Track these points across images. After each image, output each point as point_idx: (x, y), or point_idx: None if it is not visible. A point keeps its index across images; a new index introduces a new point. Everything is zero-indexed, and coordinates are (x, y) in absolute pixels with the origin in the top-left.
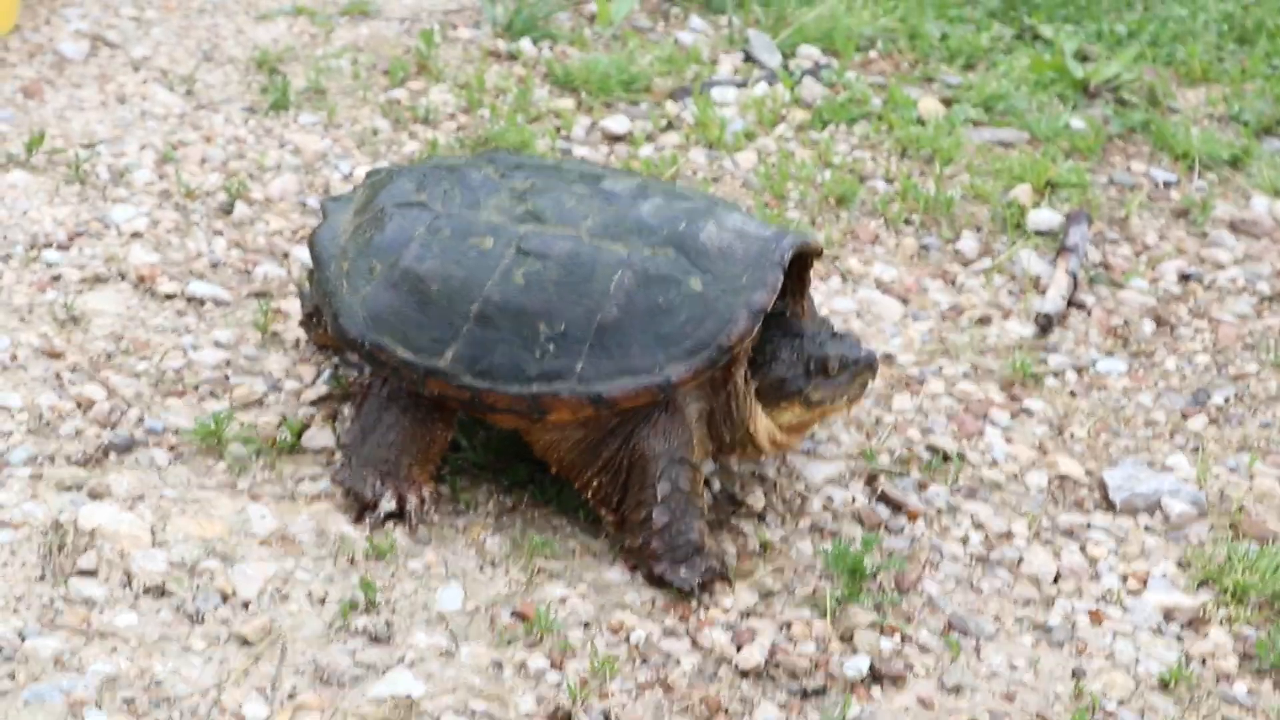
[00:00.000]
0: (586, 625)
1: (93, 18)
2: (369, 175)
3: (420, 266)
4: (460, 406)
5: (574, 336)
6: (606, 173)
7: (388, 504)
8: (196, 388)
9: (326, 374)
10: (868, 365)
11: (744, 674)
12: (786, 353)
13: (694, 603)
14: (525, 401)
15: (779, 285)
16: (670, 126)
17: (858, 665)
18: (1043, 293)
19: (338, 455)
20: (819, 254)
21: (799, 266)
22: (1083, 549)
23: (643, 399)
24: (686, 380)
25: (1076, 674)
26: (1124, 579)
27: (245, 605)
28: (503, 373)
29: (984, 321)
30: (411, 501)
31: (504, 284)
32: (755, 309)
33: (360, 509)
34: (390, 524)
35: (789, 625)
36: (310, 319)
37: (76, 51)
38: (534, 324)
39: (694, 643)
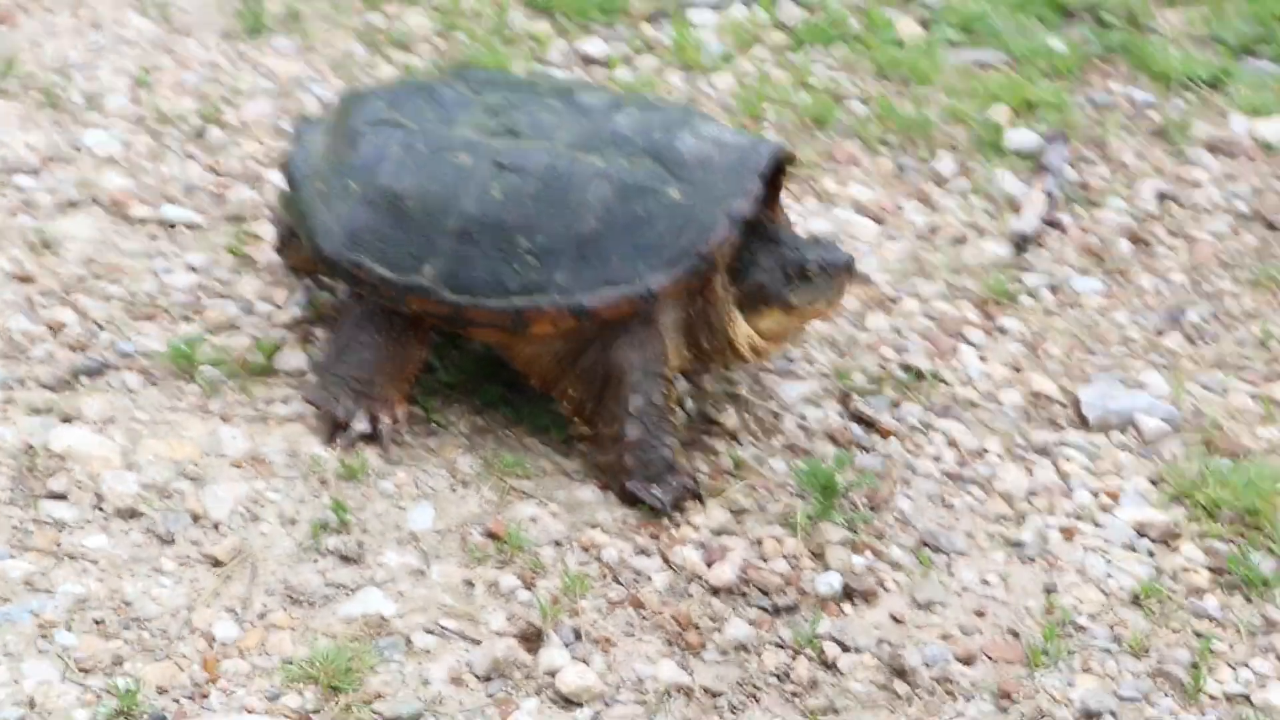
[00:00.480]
0: (558, 544)
1: None
2: (342, 97)
3: (397, 184)
4: (440, 322)
5: (554, 249)
6: (579, 87)
7: (360, 424)
8: (169, 311)
9: (300, 296)
10: (845, 267)
11: (715, 591)
12: (765, 259)
13: (665, 520)
14: (507, 315)
15: (759, 193)
16: (647, 49)
17: (829, 582)
18: (1019, 212)
19: (310, 375)
20: (793, 162)
21: (774, 175)
22: (1056, 466)
23: (624, 309)
24: (668, 289)
25: (1048, 589)
26: (1096, 495)
27: (216, 526)
28: (483, 287)
29: (960, 241)
30: (384, 421)
31: (481, 198)
32: (735, 216)
33: (333, 429)
34: (362, 445)
35: (760, 542)
36: (285, 243)
37: None
38: (513, 238)
39: (665, 560)
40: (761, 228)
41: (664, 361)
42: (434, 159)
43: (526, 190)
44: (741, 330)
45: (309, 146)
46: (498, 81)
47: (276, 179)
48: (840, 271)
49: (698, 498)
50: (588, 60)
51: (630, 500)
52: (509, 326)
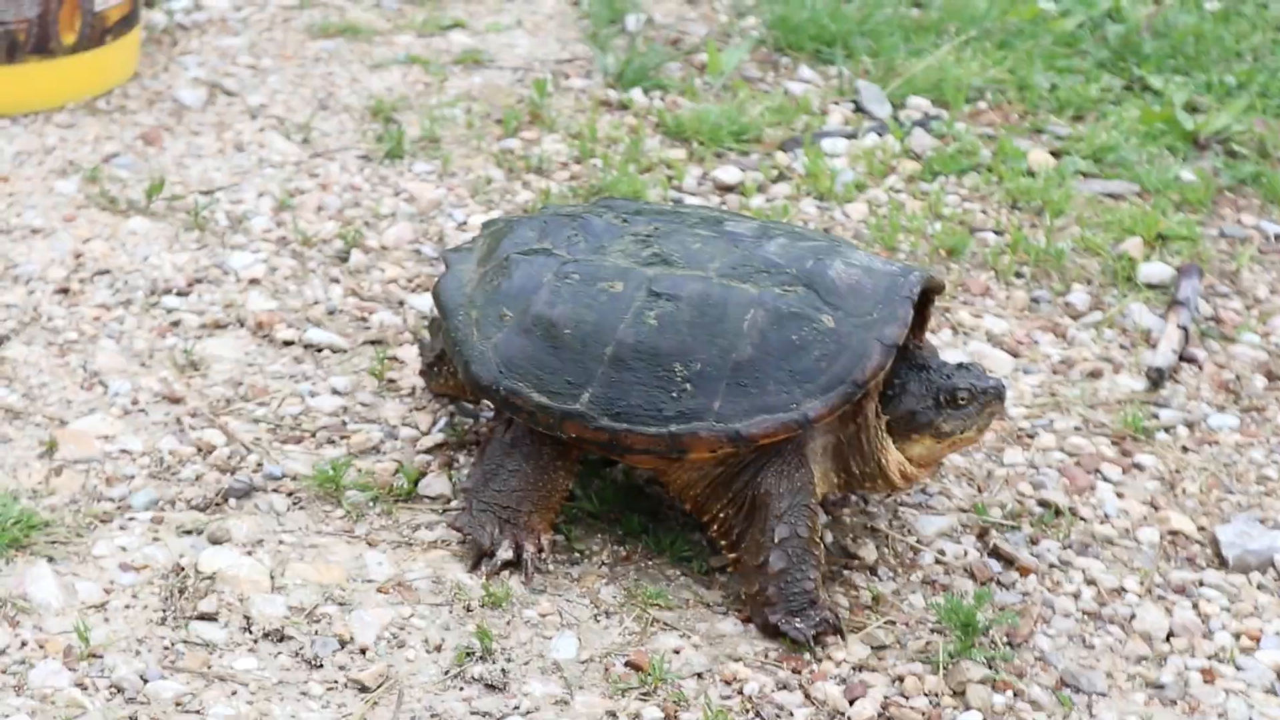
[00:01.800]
0: (700, 676)
1: (210, 65)
2: (485, 225)
3: (552, 311)
4: (597, 449)
5: (710, 375)
6: (727, 216)
7: (505, 553)
8: (314, 434)
9: (443, 422)
10: (996, 394)
11: None
12: (915, 385)
13: (807, 655)
14: (664, 441)
15: (909, 319)
16: (781, 177)
17: None
18: (1154, 346)
19: (456, 500)
20: (942, 290)
21: (922, 302)
22: (1195, 606)
23: (781, 435)
24: (824, 416)
25: None
26: (1237, 637)
27: (363, 651)
28: (640, 414)
29: (1095, 375)
30: (529, 550)
31: (637, 326)
32: (888, 343)
33: (477, 556)
34: (506, 572)
35: (901, 679)
36: (431, 368)
37: (194, 99)
38: (669, 364)
39: (807, 695)
40: (910, 354)
41: (811, 492)
42: (588, 287)
43: (681, 318)
44: (893, 457)
45: (459, 274)
46: (645, 210)
47: (418, 304)
48: (991, 398)
49: (839, 632)
50: (722, 187)
51: (772, 633)
52: (665, 452)
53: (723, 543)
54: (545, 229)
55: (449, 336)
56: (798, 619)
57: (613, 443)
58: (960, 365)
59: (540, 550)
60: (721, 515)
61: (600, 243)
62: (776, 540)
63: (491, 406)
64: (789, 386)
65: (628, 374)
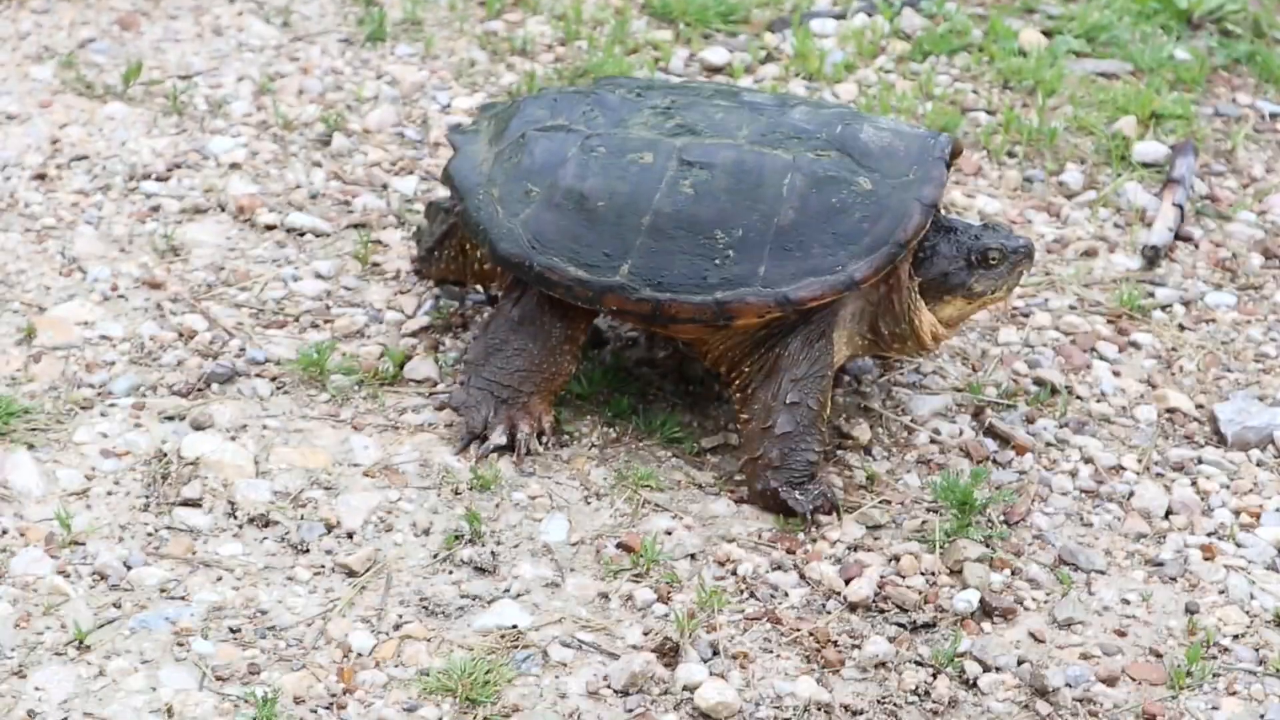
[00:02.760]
0: (693, 557)
1: None
2: (484, 109)
3: (582, 184)
4: (638, 321)
5: (752, 241)
6: (740, 88)
7: (499, 437)
8: (298, 318)
9: (428, 305)
10: (1027, 253)
11: (853, 607)
12: (946, 246)
13: (800, 534)
14: (710, 309)
15: (945, 180)
16: (769, 58)
17: (967, 599)
18: (1149, 225)
19: (443, 383)
20: (961, 153)
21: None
22: (1194, 484)
23: (828, 298)
24: (869, 277)
25: (1190, 609)
26: (1236, 514)
27: (350, 535)
28: (683, 283)
29: (1090, 254)
30: (523, 431)
31: (673, 195)
32: (927, 203)
33: (469, 438)
34: (496, 454)
35: (897, 559)
36: (431, 253)
37: None
38: (710, 232)
39: (802, 576)
40: (938, 216)
41: (828, 365)
42: (616, 159)
43: (718, 185)
44: (925, 318)
45: (471, 154)
46: (656, 85)
47: (402, 186)
48: (1022, 257)
49: (835, 510)
50: (710, 69)
51: (770, 501)
52: (711, 320)
53: (738, 396)
54: (556, 106)
55: (469, 217)
56: (797, 490)
57: (656, 313)
58: (985, 225)
59: (539, 433)
60: (746, 370)
61: (620, 116)
62: (786, 403)
63: (506, 287)
64: (833, 249)
65: (668, 243)
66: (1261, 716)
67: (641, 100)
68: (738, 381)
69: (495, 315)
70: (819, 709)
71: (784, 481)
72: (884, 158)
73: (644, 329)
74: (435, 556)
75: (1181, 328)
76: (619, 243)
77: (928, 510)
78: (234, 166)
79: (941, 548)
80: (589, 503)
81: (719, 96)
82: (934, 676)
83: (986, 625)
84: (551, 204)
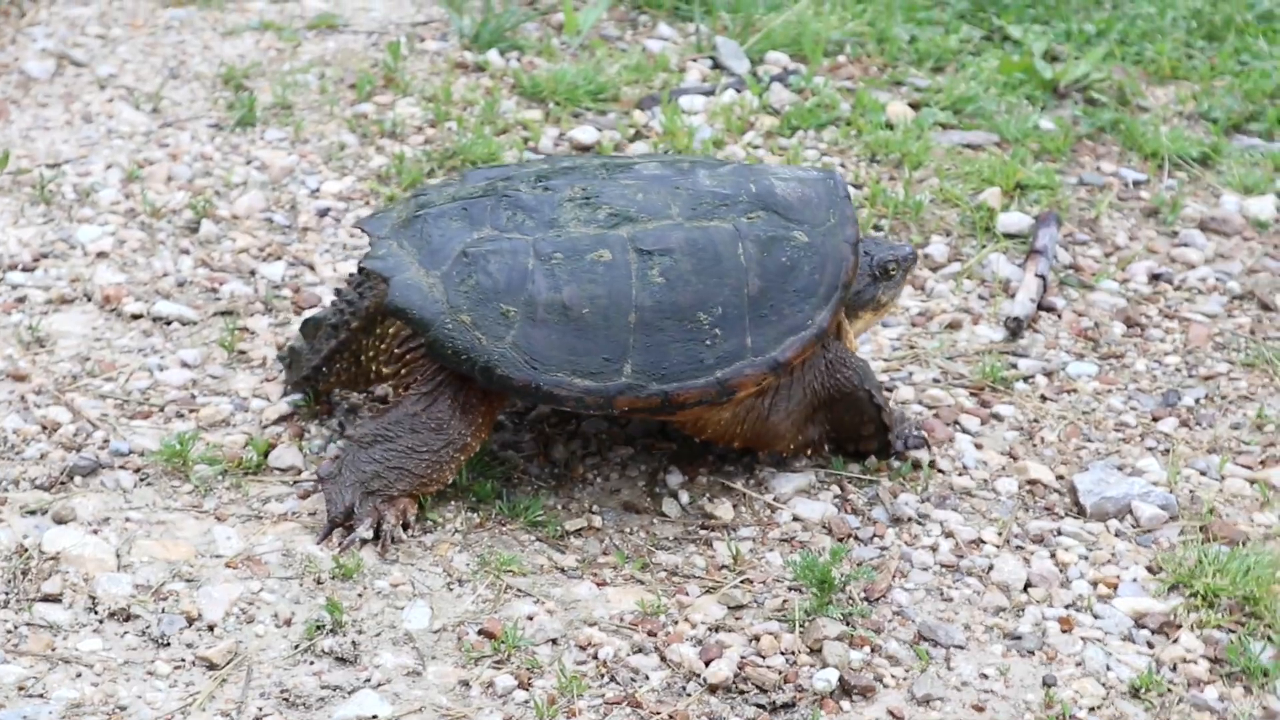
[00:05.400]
0: (554, 642)
1: (59, 36)
2: (371, 226)
3: (560, 295)
4: (647, 415)
5: (732, 316)
6: (615, 159)
7: (365, 531)
8: (163, 408)
9: (293, 394)
10: (914, 259)
11: (713, 689)
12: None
13: (663, 615)
14: (713, 389)
15: (855, 216)
16: (639, 135)
17: (826, 678)
18: (1012, 296)
19: (307, 471)
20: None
21: None
22: (1053, 555)
23: (808, 352)
24: (832, 322)
25: (1047, 682)
26: (1094, 585)
27: (211, 628)
28: (684, 370)
29: (954, 326)
30: (389, 523)
31: (648, 287)
32: (854, 243)
33: (331, 527)
34: (359, 544)
35: (758, 638)
36: (318, 370)
37: (42, 70)
38: (694, 316)
39: (662, 658)
40: None
41: (849, 351)
42: (578, 262)
43: (684, 268)
44: (849, 335)
45: (412, 283)
46: (547, 174)
47: (269, 272)
48: (911, 263)
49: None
50: (579, 147)
51: (899, 456)
52: (715, 399)
53: (818, 451)
54: (470, 214)
55: (441, 346)
56: (910, 442)
57: (665, 404)
58: (874, 240)
59: (406, 526)
60: (802, 437)
61: (547, 215)
62: (878, 402)
63: (417, 385)
64: (798, 305)
65: (659, 335)
66: None
67: (552, 194)
68: (797, 443)
69: (396, 407)
70: None
71: (902, 443)
72: (804, 208)
73: (646, 420)
74: (296, 647)
75: (1043, 398)
76: (615, 345)
77: (789, 589)
78: (101, 255)
79: (802, 626)
80: (451, 589)
81: (618, 173)
82: None
83: (846, 704)
84: (536, 320)
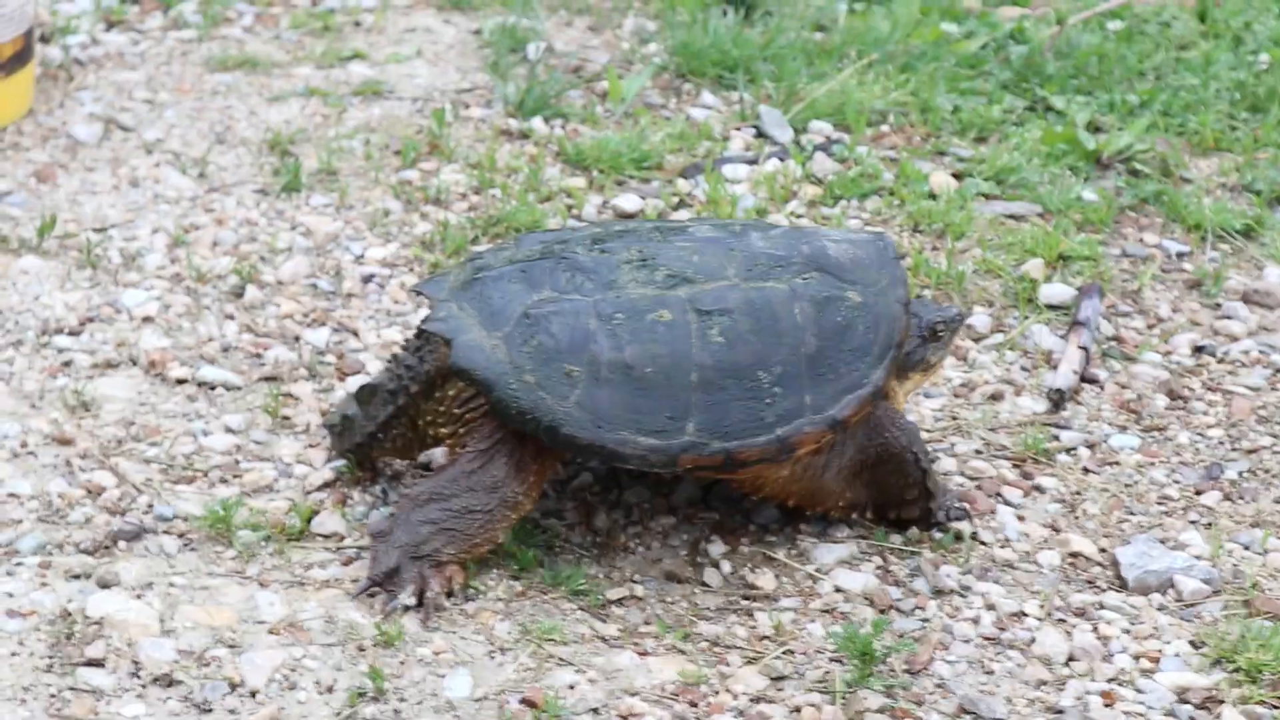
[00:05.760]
0: (596, 711)
1: (106, 100)
2: (425, 287)
3: (622, 354)
4: (709, 473)
5: (791, 374)
6: (667, 223)
7: (408, 598)
8: (207, 473)
9: (338, 460)
10: (962, 320)
11: None
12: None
13: (705, 686)
14: (774, 446)
15: (906, 277)
16: (682, 204)
17: None
18: (1055, 368)
19: (350, 538)
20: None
21: None
22: (1095, 629)
23: (864, 410)
24: (886, 381)
25: None
26: (1137, 659)
27: (253, 694)
28: (745, 428)
29: (996, 398)
30: (433, 590)
31: (708, 347)
32: (904, 303)
33: (371, 585)
34: (401, 611)
35: (799, 710)
36: (373, 438)
37: (89, 135)
38: (754, 375)
39: None
40: None
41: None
42: (639, 322)
43: (743, 328)
44: (899, 395)
45: (475, 344)
46: (603, 237)
47: (314, 338)
48: (959, 325)
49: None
50: (622, 215)
51: (938, 527)
52: (775, 457)
53: (859, 514)
54: (529, 276)
55: (505, 406)
56: (951, 513)
57: (728, 462)
58: (920, 302)
59: (450, 594)
60: (848, 496)
61: (605, 277)
62: (925, 466)
63: (474, 444)
64: (854, 364)
65: (720, 394)
66: None
67: (609, 256)
68: (844, 501)
69: (452, 466)
70: None
71: (943, 513)
72: (856, 269)
73: (705, 479)
74: (339, 714)
75: (1086, 471)
76: (677, 403)
77: (830, 660)
78: (146, 320)
79: (843, 698)
80: (493, 657)
81: (673, 236)
82: None
83: None
84: (599, 380)
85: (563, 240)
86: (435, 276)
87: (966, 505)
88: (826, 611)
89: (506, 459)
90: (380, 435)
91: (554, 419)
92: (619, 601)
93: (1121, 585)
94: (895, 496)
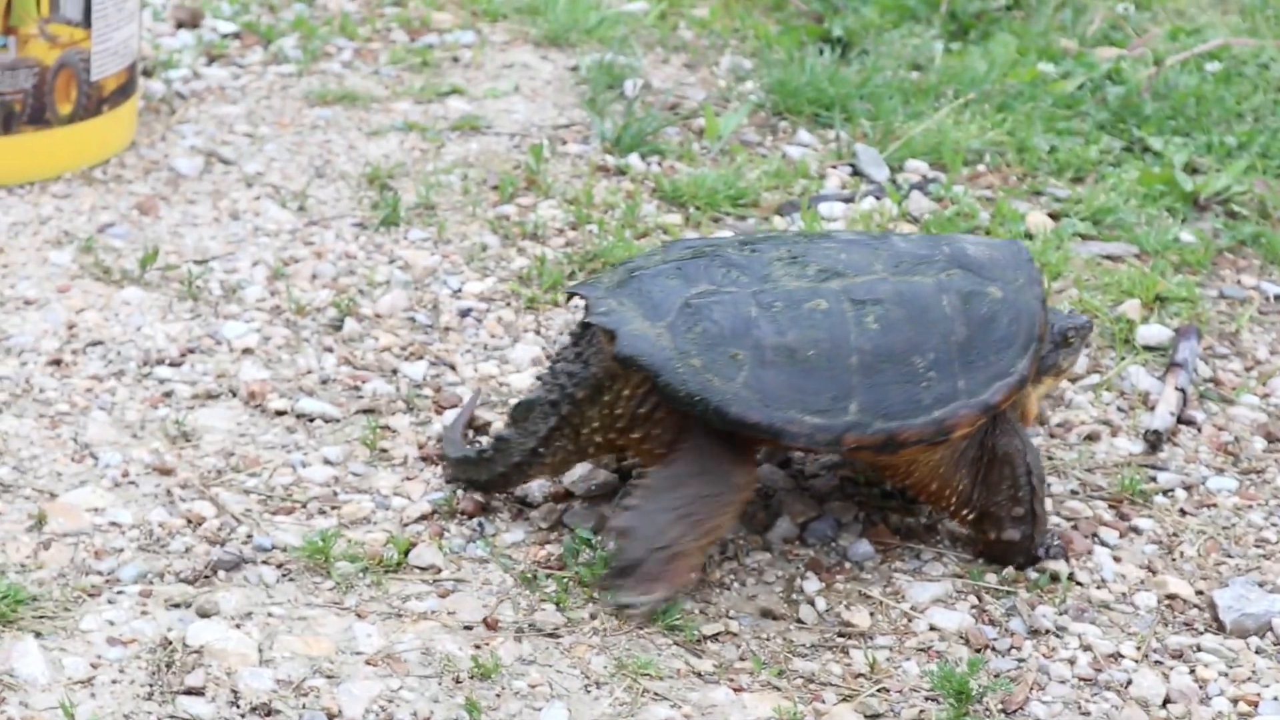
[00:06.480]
0: None
1: (207, 134)
2: (581, 289)
3: (785, 339)
4: (870, 453)
5: (944, 360)
6: (808, 236)
7: (646, 597)
8: (305, 505)
9: (436, 495)
10: (1090, 328)
11: None
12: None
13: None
14: (932, 428)
15: (1042, 278)
16: None
17: None
18: (1152, 409)
19: (446, 570)
20: None
21: None
22: (1192, 671)
23: (1013, 397)
24: (1030, 372)
25: None
26: (1234, 702)
27: None
28: (904, 410)
29: (1092, 438)
30: (657, 594)
31: (865, 333)
32: (1042, 300)
33: (614, 573)
34: (500, 639)
35: None
36: (535, 454)
37: (191, 168)
38: (909, 360)
39: None
40: None
41: (1038, 417)
42: (797, 310)
43: (897, 316)
44: (1033, 397)
45: (639, 334)
46: (750, 242)
47: (411, 372)
48: (1087, 333)
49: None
50: None
51: (1033, 563)
52: (932, 438)
53: (964, 512)
54: (685, 273)
55: (673, 390)
56: (1050, 550)
57: (889, 442)
58: (1049, 309)
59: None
60: (960, 487)
61: (760, 272)
62: (1035, 485)
63: (667, 447)
64: (1001, 353)
65: (879, 377)
66: None
67: (759, 255)
68: (956, 498)
69: (675, 462)
70: None
71: (1042, 549)
72: (994, 268)
73: (869, 462)
74: None
75: (1183, 512)
76: (839, 385)
77: (926, 699)
78: (246, 351)
79: None
80: (589, 691)
81: (817, 241)
82: None
83: None
84: (764, 363)
85: (712, 244)
86: (587, 281)
87: (1063, 544)
88: (922, 650)
89: (722, 445)
90: (542, 450)
91: (723, 399)
92: (714, 637)
93: (1219, 628)
94: (1001, 507)
